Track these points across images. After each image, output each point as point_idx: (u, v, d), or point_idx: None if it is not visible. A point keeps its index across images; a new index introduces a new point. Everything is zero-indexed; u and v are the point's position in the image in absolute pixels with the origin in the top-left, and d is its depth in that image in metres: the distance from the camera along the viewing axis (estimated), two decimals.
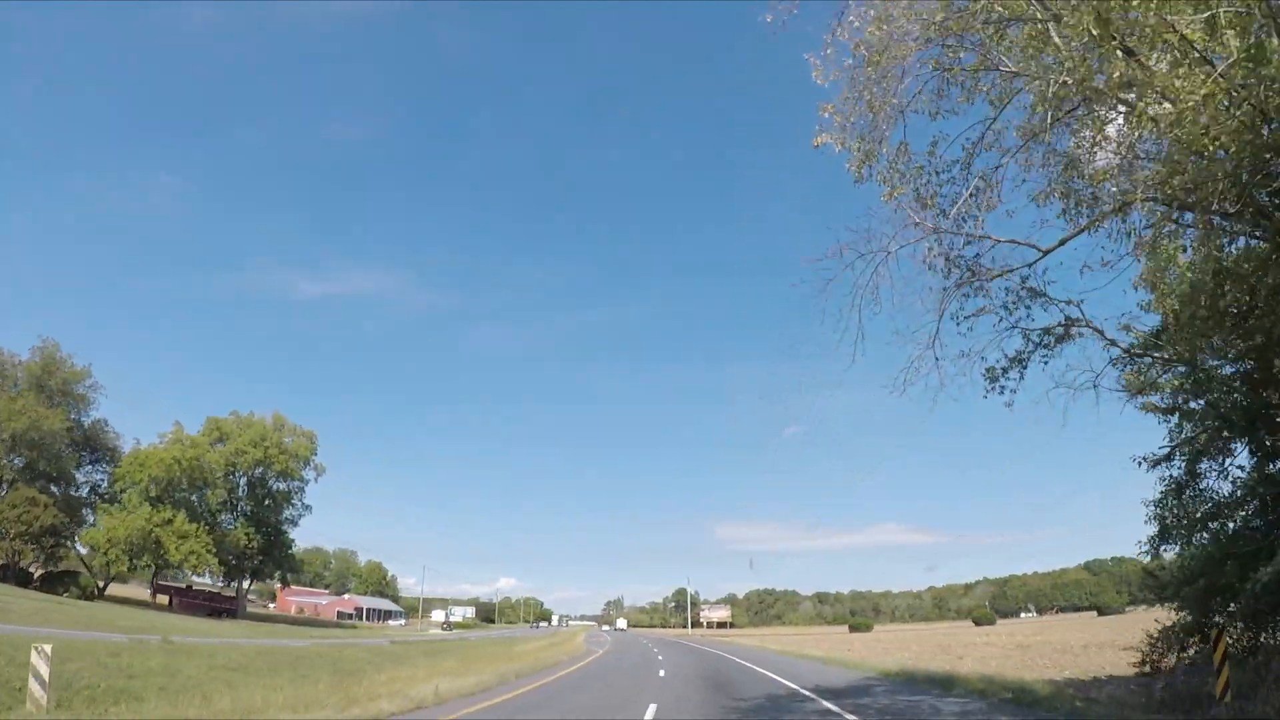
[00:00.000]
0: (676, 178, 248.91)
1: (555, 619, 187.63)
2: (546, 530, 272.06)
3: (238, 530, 60.60)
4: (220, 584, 66.71)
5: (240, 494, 63.37)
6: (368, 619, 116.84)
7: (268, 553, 65.08)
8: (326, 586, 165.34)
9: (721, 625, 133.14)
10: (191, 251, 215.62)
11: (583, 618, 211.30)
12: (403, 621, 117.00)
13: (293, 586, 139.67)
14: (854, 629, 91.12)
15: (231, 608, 62.45)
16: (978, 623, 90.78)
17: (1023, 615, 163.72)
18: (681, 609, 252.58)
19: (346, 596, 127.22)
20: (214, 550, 56.17)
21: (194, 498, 57.16)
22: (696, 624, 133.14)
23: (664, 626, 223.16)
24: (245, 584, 65.99)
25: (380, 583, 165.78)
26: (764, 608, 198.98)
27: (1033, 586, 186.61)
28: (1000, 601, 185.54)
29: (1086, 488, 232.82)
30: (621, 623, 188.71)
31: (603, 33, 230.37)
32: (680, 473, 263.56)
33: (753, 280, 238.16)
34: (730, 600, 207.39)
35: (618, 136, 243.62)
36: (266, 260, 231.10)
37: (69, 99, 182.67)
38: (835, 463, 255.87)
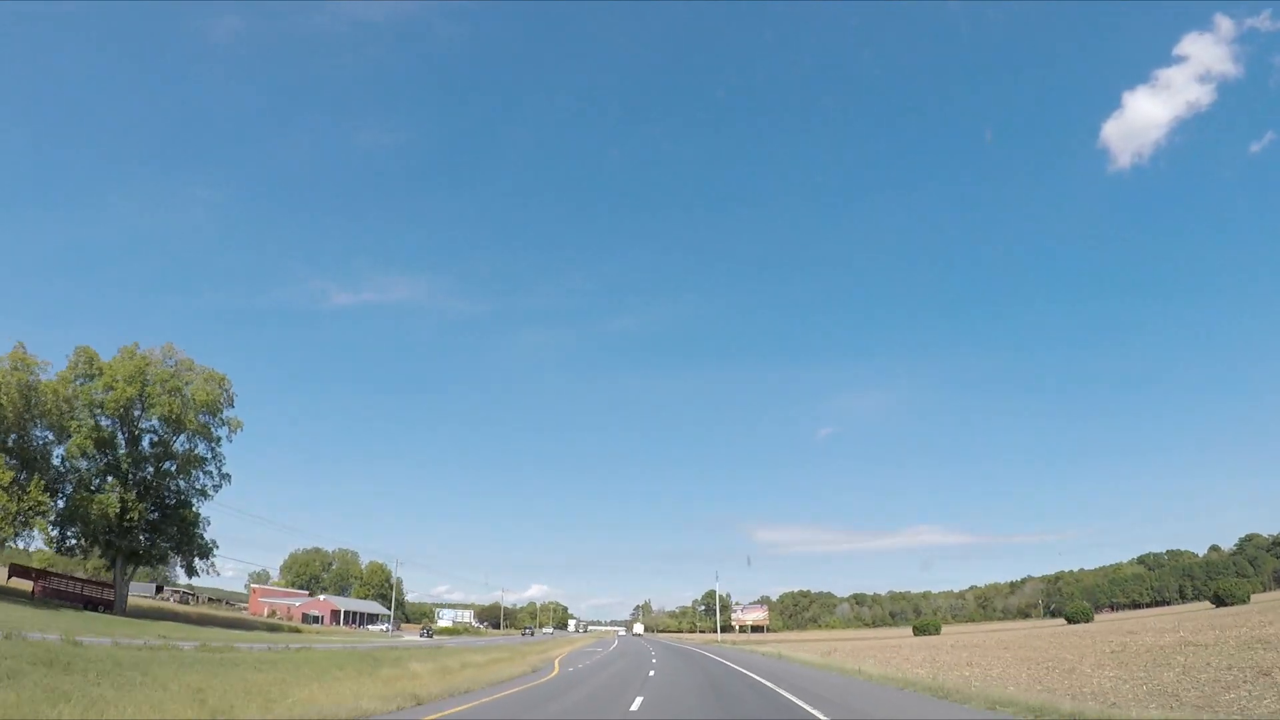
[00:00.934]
0: (709, 180, 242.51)
1: (573, 624, 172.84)
2: (578, 537, 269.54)
3: (107, 495, 45.81)
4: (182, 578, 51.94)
5: (121, 449, 48.71)
6: (346, 623, 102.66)
7: (160, 529, 50.43)
8: (324, 589, 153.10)
9: (756, 629, 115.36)
10: (229, 264, 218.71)
11: (612, 623, 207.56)
12: (386, 626, 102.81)
13: (269, 586, 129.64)
14: (920, 631, 73.75)
15: (109, 599, 48.05)
16: (1071, 620, 72.74)
17: None
18: (712, 613, 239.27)
19: (322, 598, 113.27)
20: (58, 517, 41.77)
21: (36, 443, 42.73)
22: (728, 628, 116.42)
23: (691, 631, 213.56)
24: (128, 570, 50.92)
25: (383, 585, 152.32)
26: (798, 610, 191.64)
27: (1087, 582, 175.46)
28: (1057, 600, 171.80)
29: (1127, 484, 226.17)
30: (638, 628, 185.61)
31: (635, 31, 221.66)
32: (713, 478, 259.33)
33: (785, 283, 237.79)
34: (764, 603, 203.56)
35: (646, 140, 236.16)
36: (303, 271, 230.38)
37: (102, 119, 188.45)
38: (868, 464, 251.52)
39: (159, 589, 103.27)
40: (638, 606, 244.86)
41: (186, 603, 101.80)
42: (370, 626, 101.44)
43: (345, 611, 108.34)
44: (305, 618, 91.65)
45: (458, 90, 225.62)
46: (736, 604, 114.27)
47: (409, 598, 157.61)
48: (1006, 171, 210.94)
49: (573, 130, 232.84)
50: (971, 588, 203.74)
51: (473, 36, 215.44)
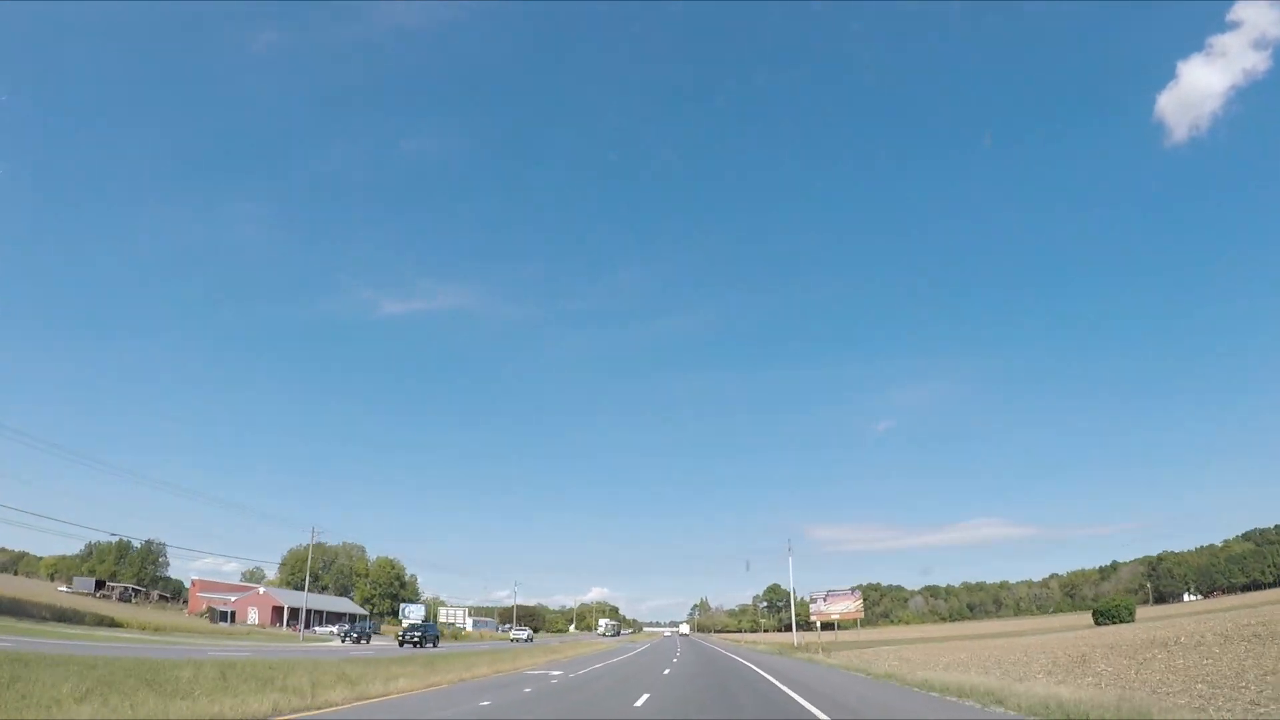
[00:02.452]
0: (755, 174, 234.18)
1: (604, 624, 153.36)
2: (635, 540, 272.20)
3: None
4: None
5: None
6: (291, 624, 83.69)
7: None
8: (324, 588, 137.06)
9: (838, 626, 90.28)
10: (276, 277, 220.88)
11: (670, 624, 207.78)
12: (345, 629, 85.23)
13: (212, 580, 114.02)
14: (1103, 618, 51.61)
15: None
16: None
17: (1187, 598, 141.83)
18: (776, 609, 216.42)
19: (262, 591, 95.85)
20: None
21: None
22: (807, 626, 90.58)
23: (754, 630, 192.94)
24: None
25: (392, 584, 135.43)
26: (868, 605, 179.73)
27: (1192, 563, 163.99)
28: (1168, 583, 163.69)
29: (1197, 469, 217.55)
30: (684, 629, 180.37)
31: (674, 28, 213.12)
32: (768, 477, 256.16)
33: (838, 276, 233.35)
34: (855, 591, 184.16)
35: (692, 137, 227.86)
36: (351, 281, 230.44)
37: (148, 135, 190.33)
38: (926, 457, 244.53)
39: (100, 585, 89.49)
40: (694, 606, 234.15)
41: (128, 600, 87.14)
42: (329, 628, 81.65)
43: (313, 611, 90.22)
44: (220, 616, 73.00)
45: (499, 93, 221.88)
46: (813, 596, 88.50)
47: (425, 595, 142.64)
48: (1061, 151, 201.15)
49: (617, 129, 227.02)
50: (1053, 575, 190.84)
51: (513, 39, 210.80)
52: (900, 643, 63.22)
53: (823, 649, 42.92)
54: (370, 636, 63.05)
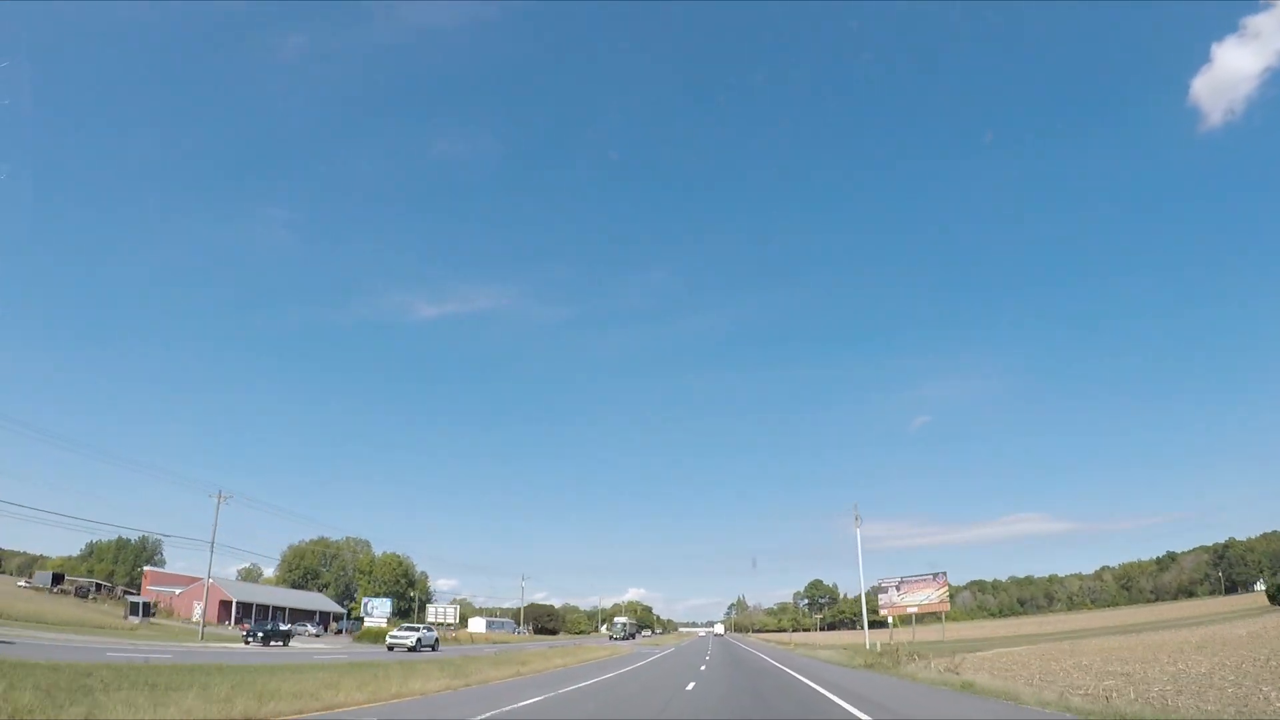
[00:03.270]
0: (786, 168, 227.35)
1: (621, 622, 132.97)
2: (672, 540, 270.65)
3: None
4: None
5: None
6: (242, 621, 71.86)
7: None
8: (325, 586, 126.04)
9: (907, 619, 69.34)
10: (307, 282, 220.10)
11: (707, 624, 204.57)
12: (312, 628, 73.28)
13: (163, 571, 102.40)
14: None
15: None
16: None
17: (1258, 588, 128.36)
18: (818, 606, 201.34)
19: (210, 583, 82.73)
20: None
21: None
22: (878, 624, 74.48)
23: (795, 629, 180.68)
24: None
25: (399, 582, 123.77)
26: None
27: (1262, 550, 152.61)
28: (1241, 571, 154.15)
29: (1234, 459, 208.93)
30: (718, 629, 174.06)
31: (701, 23, 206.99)
32: (805, 476, 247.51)
33: (873, 269, 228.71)
34: (936, 576, 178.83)
35: (721, 133, 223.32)
36: (383, 284, 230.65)
37: (176, 139, 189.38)
38: (964, 452, 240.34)
39: (56, 579, 78.93)
40: (731, 605, 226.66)
41: (85, 595, 76.11)
42: (297, 626, 68.75)
43: (272, 607, 77.85)
44: (134, 609, 60.24)
45: (529, 94, 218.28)
46: (882, 584, 67.36)
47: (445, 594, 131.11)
48: (1098, 141, 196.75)
49: (647, 126, 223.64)
50: (1104, 568, 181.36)
51: (542, 38, 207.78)
52: (1006, 642, 48.81)
53: (917, 654, 28.97)
54: (289, 638, 50.63)
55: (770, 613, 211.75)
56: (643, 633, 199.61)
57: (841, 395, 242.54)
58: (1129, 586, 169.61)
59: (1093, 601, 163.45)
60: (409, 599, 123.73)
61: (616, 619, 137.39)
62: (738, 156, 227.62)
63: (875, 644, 51.03)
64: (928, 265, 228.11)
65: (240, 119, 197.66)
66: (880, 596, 66.01)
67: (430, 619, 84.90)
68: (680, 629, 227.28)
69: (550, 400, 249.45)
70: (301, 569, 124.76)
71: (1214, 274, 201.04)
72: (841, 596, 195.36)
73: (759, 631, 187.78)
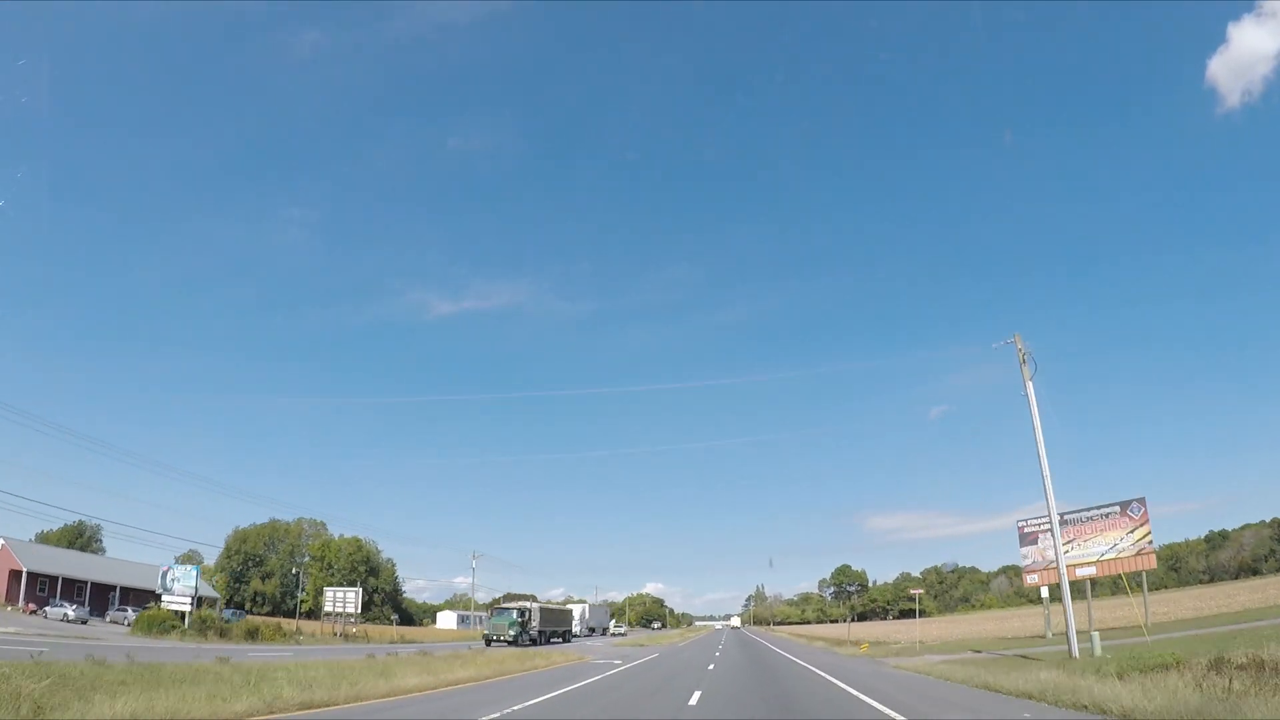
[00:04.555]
0: (807, 158, 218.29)
1: (577, 610, 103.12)
2: (692, 534, 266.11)
3: None
4: None
5: None
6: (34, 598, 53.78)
7: None
8: (269, 575, 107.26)
9: (1094, 590, 39.71)
10: (326, 282, 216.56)
11: (725, 617, 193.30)
12: (70, 610, 54.47)
13: None
14: None
15: None
16: None
17: None
18: (845, 594, 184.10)
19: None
20: None
21: None
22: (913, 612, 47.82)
23: (820, 621, 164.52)
24: None
25: (356, 569, 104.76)
26: (943, 589, 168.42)
27: None
28: None
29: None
30: (735, 621, 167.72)
31: (715, 26, 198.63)
32: (823, 469, 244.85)
33: (882, 266, 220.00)
34: (906, 581, 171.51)
35: (743, 123, 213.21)
36: (402, 283, 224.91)
37: (188, 140, 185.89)
38: (981, 441, 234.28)
39: None
40: (749, 597, 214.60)
41: None
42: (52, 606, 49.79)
43: (91, 584, 58.94)
44: None
45: (547, 88, 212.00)
46: (1027, 527, 41.03)
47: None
48: (1111, 123, 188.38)
49: (667, 120, 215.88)
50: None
51: (559, 32, 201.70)
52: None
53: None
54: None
55: (792, 603, 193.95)
56: (653, 627, 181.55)
57: (862, 387, 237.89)
58: (1177, 567, 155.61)
59: (1137, 585, 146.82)
60: (370, 589, 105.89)
61: (576, 604, 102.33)
62: (759, 151, 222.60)
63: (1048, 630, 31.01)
64: (948, 256, 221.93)
65: (256, 119, 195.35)
66: (1027, 552, 42.24)
67: (328, 608, 65.51)
68: (696, 623, 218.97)
69: (570, 396, 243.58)
70: (242, 555, 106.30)
71: (1234, 253, 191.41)
72: (872, 584, 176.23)
73: (780, 624, 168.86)
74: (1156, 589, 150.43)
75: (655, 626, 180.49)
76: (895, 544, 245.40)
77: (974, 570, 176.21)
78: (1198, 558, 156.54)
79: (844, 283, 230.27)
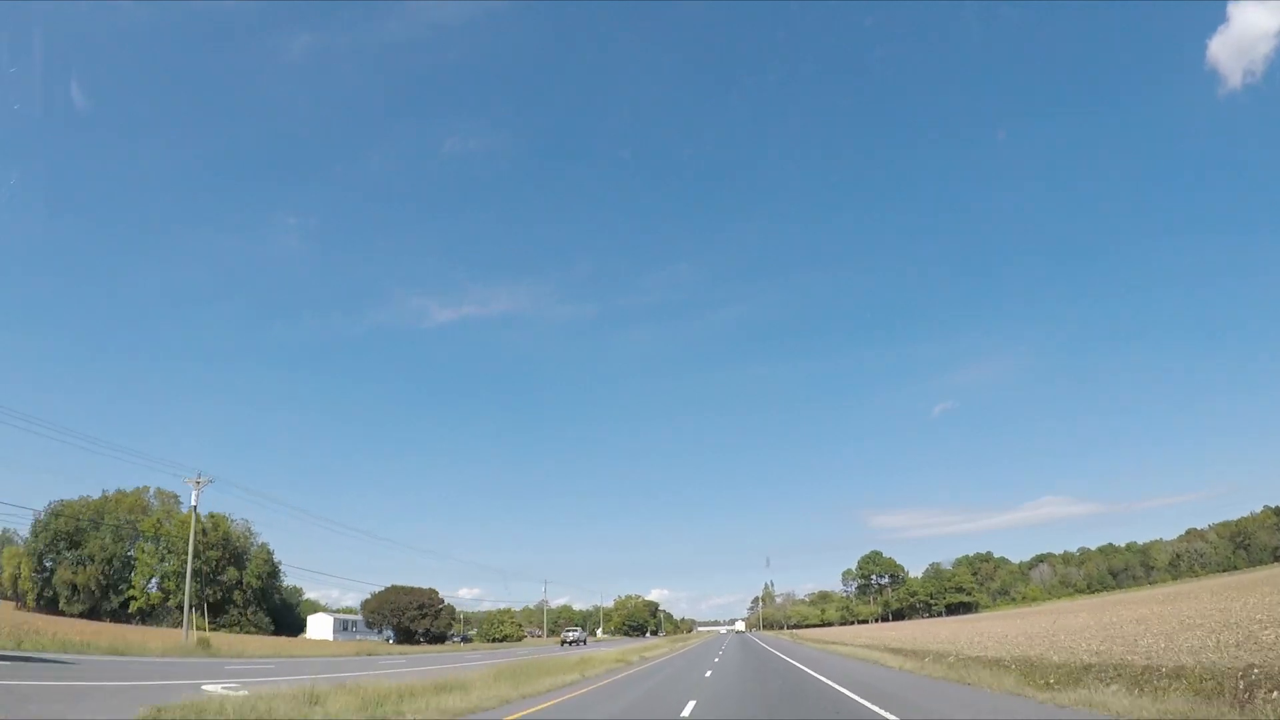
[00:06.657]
0: (806, 156, 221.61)
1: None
2: (697, 538, 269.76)
3: None
4: None
5: None
6: None
7: None
8: (87, 561, 78.09)
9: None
10: (323, 290, 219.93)
11: (730, 622, 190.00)
12: None
13: None
14: None
15: None
16: None
17: None
18: (874, 589, 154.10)
19: None
20: None
21: None
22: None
23: (845, 622, 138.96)
24: None
25: (211, 556, 76.94)
26: (980, 579, 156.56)
27: None
28: None
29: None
30: (739, 625, 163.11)
31: (711, 26, 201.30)
32: (828, 467, 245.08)
33: (882, 264, 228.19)
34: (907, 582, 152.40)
35: (741, 120, 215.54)
36: (400, 290, 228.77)
37: (181, 147, 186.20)
38: (987, 437, 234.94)
39: None
40: (756, 599, 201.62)
41: None
42: None
43: None
44: None
45: (543, 89, 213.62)
46: None
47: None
48: (1112, 107, 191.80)
49: (663, 120, 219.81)
50: (1212, 526, 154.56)
51: (554, 33, 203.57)
52: None
53: None
54: None
55: (810, 602, 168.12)
56: (645, 635, 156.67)
57: (864, 385, 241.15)
58: (1247, 545, 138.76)
59: (1201, 567, 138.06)
60: (228, 584, 77.62)
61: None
62: (756, 150, 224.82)
63: None
64: (948, 251, 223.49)
65: (250, 124, 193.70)
66: None
67: None
68: (699, 628, 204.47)
69: (571, 400, 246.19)
70: (51, 532, 77.29)
71: (1238, 237, 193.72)
72: (907, 575, 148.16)
73: (795, 627, 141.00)
74: (1222, 571, 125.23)
75: (649, 635, 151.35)
76: (904, 541, 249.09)
77: (1004, 561, 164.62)
78: (1267, 533, 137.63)
79: (846, 280, 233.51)
